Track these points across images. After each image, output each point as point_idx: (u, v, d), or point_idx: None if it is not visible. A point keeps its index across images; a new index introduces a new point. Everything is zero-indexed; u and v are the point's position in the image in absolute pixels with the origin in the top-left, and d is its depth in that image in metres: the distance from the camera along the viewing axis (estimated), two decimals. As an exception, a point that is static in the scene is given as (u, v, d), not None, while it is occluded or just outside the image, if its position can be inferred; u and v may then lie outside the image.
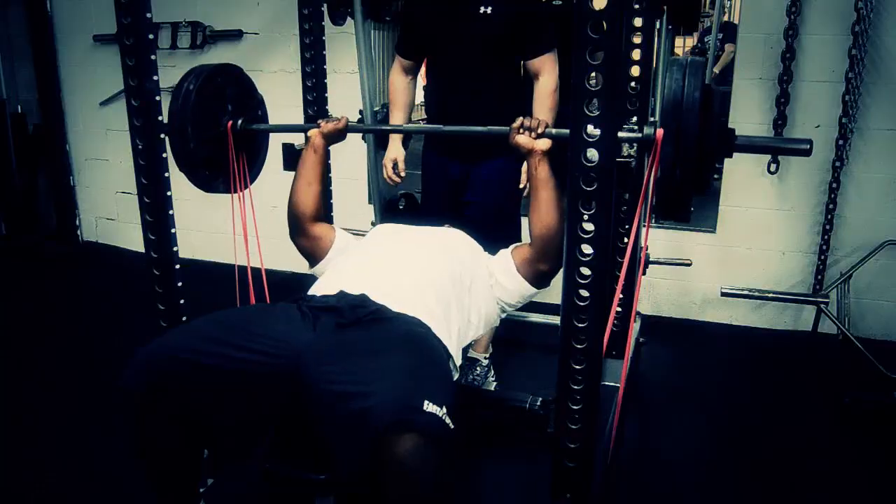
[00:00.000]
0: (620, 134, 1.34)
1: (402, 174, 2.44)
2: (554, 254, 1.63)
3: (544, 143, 1.58)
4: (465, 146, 2.34)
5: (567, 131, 1.13)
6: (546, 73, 2.22)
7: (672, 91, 1.27)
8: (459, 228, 2.00)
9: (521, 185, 2.28)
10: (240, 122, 1.84)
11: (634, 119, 2.05)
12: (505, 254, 1.76)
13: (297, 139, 2.02)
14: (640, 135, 1.36)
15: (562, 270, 1.17)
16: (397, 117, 2.45)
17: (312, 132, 1.85)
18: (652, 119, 1.74)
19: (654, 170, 1.32)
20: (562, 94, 2.24)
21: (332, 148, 2.22)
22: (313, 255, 1.85)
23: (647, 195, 1.44)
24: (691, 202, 1.41)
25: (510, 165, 2.29)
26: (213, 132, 1.79)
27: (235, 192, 1.86)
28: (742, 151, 1.39)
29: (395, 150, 2.44)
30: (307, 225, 1.83)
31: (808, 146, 1.36)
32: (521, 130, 1.59)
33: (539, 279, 1.70)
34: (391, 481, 1.09)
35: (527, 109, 2.30)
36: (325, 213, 1.88)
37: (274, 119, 2.02)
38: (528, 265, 1.69)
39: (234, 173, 1.84)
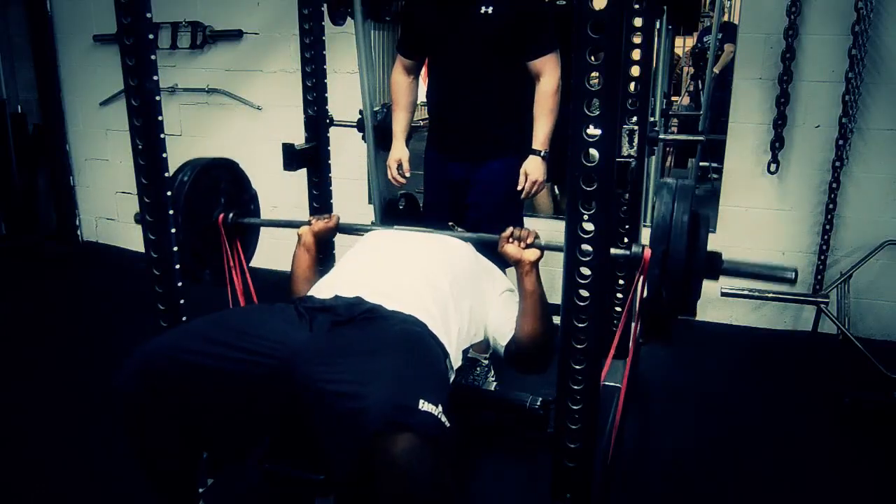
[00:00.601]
0: (613, 251, 1.34)
1: (407, 174, 2.44)
2: (539, 354, 1.63)
3: (532, 254, 1.57)
4: (467, 147, 2.34)
5: (560, 244, 1.17)
6: (548, 73, 2.22)
7: (661, 215, 1.32)
8: (462, 228, 2.01)
9: (519, 188, 2.28)
10: (231, 215, 1.87)
11: (634, 119, 2.06)
12: (496, 325, 1.69)
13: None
14: (628, 253, 1.40)
15: (562, 270, 1.17)
16: (400, 117, 2.45)
17: (303, 230, 1.86)
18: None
19: (641, 287, 1.37)
20: (568, 95, 2.23)
21: (332, 148, 2.24)
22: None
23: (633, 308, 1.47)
24: (674, 324, 1.46)
25: (512, 167, 2.29)
26: (204, 224, 1.83)
27: (224, 285, 1.88)
28: (728, 275, 1.45)
29: (399, 150, 2.44)
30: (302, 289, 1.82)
31: (794, 275, 1.43)
32: (511, 240, 1.59)
33: (517, 367, 1.69)
34: (387, 481, 1.08)
35: (528, 110, 2.30)
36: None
37: (275, 119, 2.02)
38: (510, 356, 1.67)
39: (228, 264, 1.87)
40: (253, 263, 2.07)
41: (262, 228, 2.07)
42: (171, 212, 1.59)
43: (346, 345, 1.34)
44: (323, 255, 2.09)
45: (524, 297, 1.59)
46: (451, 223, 2.02)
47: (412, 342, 1.39)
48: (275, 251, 2.40)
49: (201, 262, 1.82)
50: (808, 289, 2.98)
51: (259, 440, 1.44)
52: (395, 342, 1.35)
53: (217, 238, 1.86)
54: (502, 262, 1.67)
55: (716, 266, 1.37)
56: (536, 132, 2.24)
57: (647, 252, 1.35)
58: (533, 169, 2.25)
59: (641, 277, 1.38)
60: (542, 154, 2.25)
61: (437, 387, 1.24)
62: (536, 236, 1.59)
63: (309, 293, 1.63)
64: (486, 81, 2.26)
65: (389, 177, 2.45)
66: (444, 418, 1.14)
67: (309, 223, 1.87)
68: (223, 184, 1.89)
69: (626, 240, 2.25)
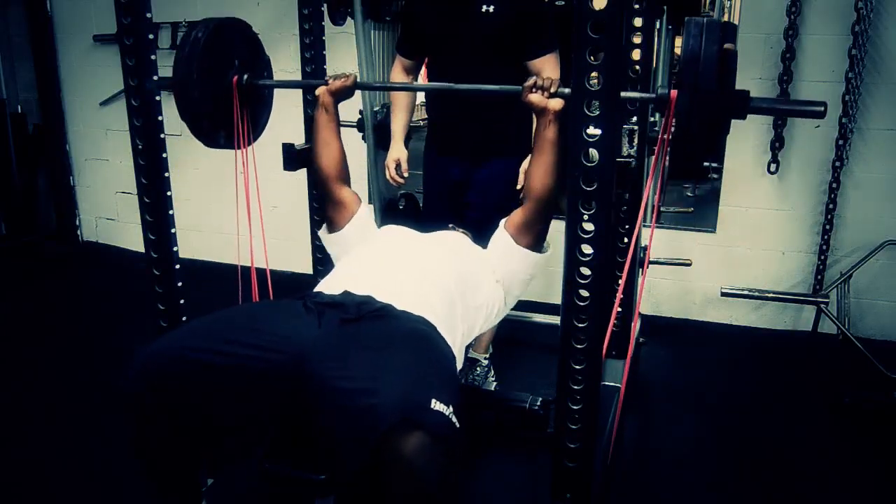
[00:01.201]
0: (632, 94, 1.34)
1: (406, 174, 2.43)
2: (548, 210, 1.68)
3: (557, 103, 1.56)
4: (466, 147, 2.34)
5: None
6: (548, 73, 2.21)
7: (690, 48, 1.26)
8: (462, 229, 2.00)
9: (519, 187, 2.28)
10: (245, 77, 1.80)
11: (634, 119, 2.05)
12: (498, 236, 1.76)
13: (296, 131, 2.02)
14: (653, 95, 1.35)
15: (562, 271, 1.17)
16: (399, 117, 2.45)
17: (321, 90, 1.84)
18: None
19: (668, 130, 1.32)
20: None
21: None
22: (334, 222, 1.86)
23: (653, 194, 1.45)
24: (705, 159, 1.41)
25: (511, 166, 2.29)
26: (219, 85, 1.76)
27: (239, 148, 1.82)
28: (757, 113, 1.40)
29: (398, 150, 2.43)
30: (333, 187, 1.83)
31: (823, 108, 1.37)
32: (534, 90, 1.57)
33: (538, 240, 1.72)
34: (396, 479, 1.08)
35: (527, 110, 2.30)
36: (348, 174, 1.87)
37: (275, 119, 2.02)
38: (524, 230, 1.70)
39: (238, 129, 1.80)
40: (258, 264, 2.07)
41: (269, 237, 2.06)
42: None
43: (356, 341, 1.33)
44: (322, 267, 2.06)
45: (544, 148, 1.61)
46: (451, 225, 2.02)
47: (424, 341, 1.38)
48: (276, 251, 2.40)
49: (216, 124, 1.78)
50: (808, 289, 2.98)
51: (263, 438, 1.43)
52: (406, 340, 1.35)
53: (232, 100, 1.79)
54: (527, 108, 1.66)
55: (745, 102, 1.35)
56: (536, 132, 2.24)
57: (674, 93, 1.30)
58: (532, 169, 2.25)
59: (669, 118, 1.34)
60: None
61: (448, 387, 1.24)
62: (560, 85, 1.57)
63: (318, 289, 1.62)
64: (485, 81, 2.25)
65: (388, 177, 2.45)
66: (454, 419, 1.14)
67: (326, 83, 1.84)
68: (237, 46, 1.83)
69: (626, 240, 2.25)
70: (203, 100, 1.67)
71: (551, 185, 1.63)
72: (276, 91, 1.99)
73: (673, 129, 1.30)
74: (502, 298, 1.75)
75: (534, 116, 1.64)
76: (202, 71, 1.67)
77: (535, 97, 1.57)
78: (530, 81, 1.58)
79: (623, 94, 1.33)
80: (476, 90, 1.96)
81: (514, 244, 1.71)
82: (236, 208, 1.82)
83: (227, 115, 1.79)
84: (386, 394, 1.13)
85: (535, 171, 1.64)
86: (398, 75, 2.44)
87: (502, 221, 1.77)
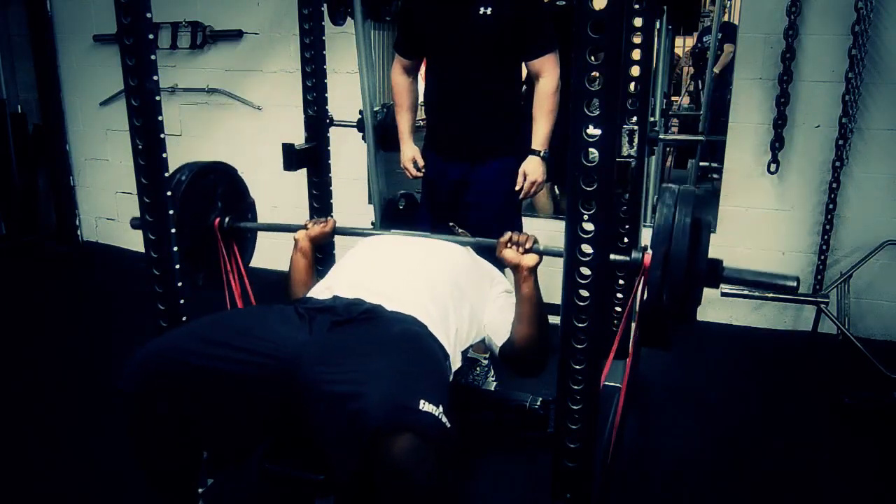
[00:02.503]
0: (612, 256, 1.33)
1: (423, 169, 2.45)
2: (532, 360, 1.62)
3: (531, 259, 1.54)
4: (465, 147, 2.34)
5: (560, 248, 1.15)
6: (547, 73, 2.21)
7: (664, 217, 1.29)
8: (463, 229, 2.00)
9: (518, 188, 2.28)
10: (227, 219, 1.86)
11: (634, 119, 2.06)
12: (493, 326, 1.68)
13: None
14: (628, 258, 1.38)
15: (562, 270, 1.17)
16: (405, 118, 2.45)
17: (300, 235, 1.85)
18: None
19: (641, 292, 1.35)
20: (562, 94, 2.23)
21: (332, 148, 2.24)
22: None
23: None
24: (673, 331, 1.43)
25: (511, 167, 2.29)
26: (200, 227, 1.82)
27: (217, 289, 1.87)
28: (728, 283, 1.40)
29: (410, 148, 2.46)
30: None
31: (795, 283, 1.41)
32: (509, 245, 1.56)
33: (512, 368, 1.68)
34: (387, 481, 1.08)
35: (527, 110, 2.30)
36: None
37: (275, 119, 2.02)
38: (505, 359, 1.66)
39: (225, 269, 1.86)
40: (252, 263, 2.07)
41: (269, 237, 2.07)
42: (170, 212, 1.59)
43: (346, 344, 1.34)
44: (322, 256, 2.09)
45: (521, 301, 1.57)
46: (451, 223, 2.02)
47: (413, 342, 1.38)
48: (274, 251, 2.40)
49: (195, 265, 1.82)
50: (808, 289, 2.98)
51: (260, 440, 1.44)
52: (395, 342, 1.35)
53: (212, 242, 1.86)
54: (500, 262, 1.67)
55: (717, 274, 1.35)
56: (535, 132, 2.24)
57: (647, 257, 1.34)
58: (532, 169, 2.25)
59: (641, 283, 1.36)
60: (541, 154, 2.25)
61: (437, 387, 1.24)
62: (535, 241, 1.56)
63: (308, 294, 1.63)
64: (484, 82, 2.25)
65: (409, 175, 2.46)
66: (444, 419, 1.14)
67: (305, 227, 1.85)
68: (220, 188, 1.89)
69: (625, 240, 2.25)
70: (182, 242, 1.69)
71: (535, 337, 1.57)
72: (276, 94, 1.99)
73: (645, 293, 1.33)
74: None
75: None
76: (183, 216, 1.72)
77: (510, 253, 1.56)
78: (505, 237, 1.57)
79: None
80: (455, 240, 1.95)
81: (493, 342, 1.67)
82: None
83: (206, 256, 1.84)
84: (374, 396, 1.14)
85: (517, 324, 1.59)
86: (399, 76, 2.44)
87: (501, 329, 1.65)
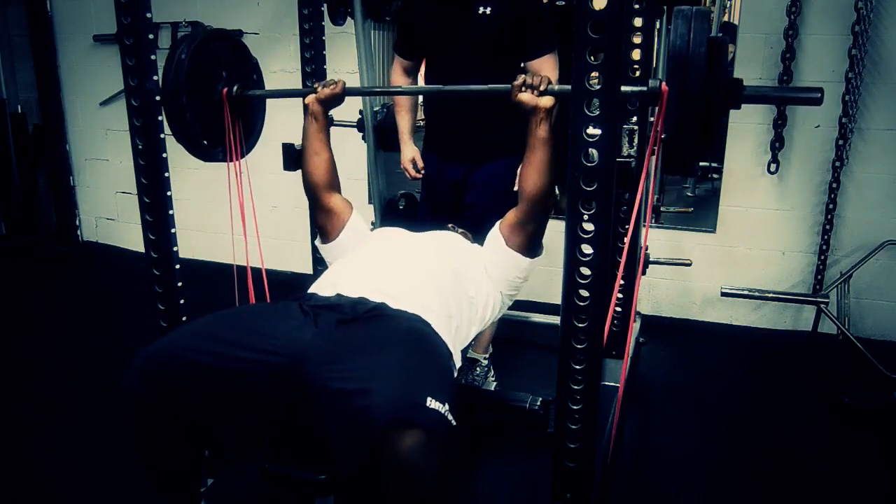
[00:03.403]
0: (624, 88, 1.28)
1: (423, 171, 2.45)
2: (540, 211, 1.65)
3: (548, 101, 1.54)
4: (465, 147, 2.34)
5: (570, 87, 1.10)
6: (546, 73, 2.21)
7: (676, 44, 1.21)
8: (462, 229, 2.00)
9: (515, 188, 2.28)
10: (235, 88, 1.79)
11: (634, 119, 2.05)
12: (492, 235, 1.74)
13: (294, 125, 2.02)
14: (644, 88, 1.32)
15: (562, 270, 1.17)
16: (405, 119, 2.45)
17: (309, 98, 1.81)
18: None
19: (659, 124, 1.29)
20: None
21: (333, 148, 2.23)
22: (327, 232, 1.84)
23: (647, 192, 1.42)
24: (698, 156, 1.35)
25: (510, 166, 2.29)
26: (209, 100, 1.74)
27: (232, 160, 1.81)
28: (751, 102, 1.34)
29: (410, 149, 2.46)
30: (323, 196, 1.82)
31: (819, 95, 1.32)
32: (524, 88, 1.55)
33: (529, 244, 1.69)
34: (393, 478, 1.08)
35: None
36: (338, 182, 1.86)
37: (275, 119, 2.02)
38: (516, 231, 1.68)
39: (231, 141, 1.79)
40: (254, 263, 2.07)
41: (264, 228, 2.06)
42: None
43: (352, 342, 1.34)
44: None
45: (535, 147, 1.58)
46: (450, 225, 2.02)
47: (419, 340, 1.38)
48: (274, 251, 2.40)
49: (213, 140, 1.76)
50: (808, 289, 2.98)
51: (263, 438, 1.44)
52: (402, 340, 1.35)
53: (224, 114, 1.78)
54: (516, 107, 1.63)
55: (737, 93, 1.29)
56: None
57: (665, 86, 1.26)
58: (532, 169, 2.25)
59: (660, 114, 1.31)
60: None
61: (444, 385, 1.24)
62: (549, 82, 1.55)
63: (311, 290, 1.62)
64: (483, 82, 2.25)
65: (408, 176, 2.46)
66: (450, 417, 1.14)
67: (315, 90, 1.81)
68: (223, 55, 1.81)
69: (626, 240, 2.25)
70: (195, 121, 1.67)
71: (544, 184, 1.61)
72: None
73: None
74: (498, 297, 1.74)
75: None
76: (191, 91, 1.66)
77: (525, 95, 1.54)
78: (519, 80, 1.55)
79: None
80: (467, 90, 1.94)
81: (505, 245, 1.70)
82: (230, 210, 1.82)
83: (222, 128, 1.78)
84: (381, 393, 1.14)
85: (527, 171, 1.62)
86: (398, 76, 2.44)
87: (498, 222, 1.76)
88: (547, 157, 1.59)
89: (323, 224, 1.84)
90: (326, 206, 1.82)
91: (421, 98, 2.53)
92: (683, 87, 1.21)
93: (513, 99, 1.57)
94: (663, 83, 1.28)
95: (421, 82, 2.50)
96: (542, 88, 1.53)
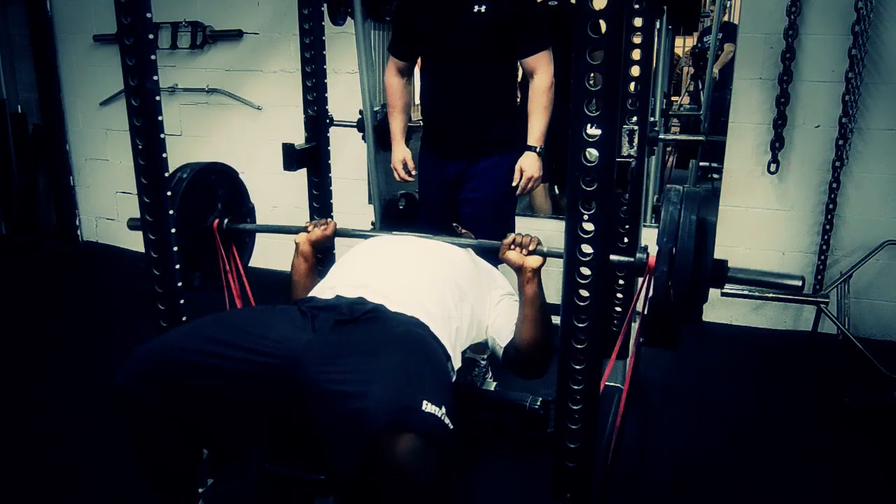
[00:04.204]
0: (613, 257, 1.32)
1: (414, 172, 2.46)
2: (540, 362, 1.62)
3: (535, 261, 1.55)
4: (462, 145, 2.35)
5: (560, 249, 1.15)
6: (541, 71, 2.22)
7: (670, 217, 1.30)
8: (466, 230, 2.00)
9: (514, 184, 2.29)
10: (226, 220, 1.86)
11: (634, 119, 2.06)
12: (499, 325, 1.68)
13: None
14: (632, 259, 1.37)
15: (562, 270, 1.17)
16: (398, 119, 2.46)
17: (300, 238, 1.83)
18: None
19: (646, 292, 1.34)
20: (561, 93, 2.24)
21: (333, 148, 2.24)
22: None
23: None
24: (681, 330, 1.42)
25: (506, 162, 2.30)
26: (198, 227, 1.82)
27: (214, 291, 1.87)
28: (734, 284, 1.40)
29: (402, 151, 2.46)
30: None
31: (801, 282, 1.40)
32: (513, 246, 1.57)
33: (515, 371, 1.67)
34: (389, 482, 1.08)
35: (521, 108, 2.31)
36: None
37: (275, 119, 2.02)
38: (508, 362, 1.66)
39: (224, 269, 1.86)
40: (252, 263, 2.07)
41: (269, 237, 2.06)
42: (170, 212, 1.59)
43: (349, 344, 1.34)
44: (322, 256, 2.08)
45: (525, 303, 1.57)
46: (454, 224, 2.02)
47: (416, 343, 1.38)
48: (274, 251, 2.40)
49: (192, 265, 1.81)
50: (809, 289, 2.98)
51: (260, 440, 1.44)
52: (398, 342, 1.35)
53: (210, 243, 1.85)
54: (497, 260, 1.67)
55: (722, 274, 1.35)
56: (531, 129, 2.25)
57: (651, 258, 1.33)
58: (528, 165, 2.26)
59: (646, 283, 1.36)
60: (537, 150, 2.26)
61: (440, 388, 1.23)
62: (539, 243, 1.57)
63: (310, 293, 1.63)
64: (479, 80, 2.26)
65: (397, 177, 2.47)
66: (447, 420, 1.14)
67: (306, 230, 1.84)
68: (221, 190, 1.88)
69: (626, 240, 2.25)
70: (181, 243, 1.68)
71: (539, 337, 1.57)
72: (276, 94, 1.99)
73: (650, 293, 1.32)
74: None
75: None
76: (182, 215, 1.72)
77: (513, 255, 1.56)
78: (509, 239, 1.57)
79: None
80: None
81: (497, 344, 1.66)
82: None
83: (203, 257, 1.84)
84: (376, 396, 1.13)
85: (523, 327, 1.59)
86: (392, 78, 2.45)
87: (501, 330, 1.66)
88: (539, 314, 1.57)
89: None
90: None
91: (417, 99, 2.53)
92: (673, 257, 1.28)
93: (500, 256, 1.59)
94: (650, 256, 1.34)
95: (416, 82, 2.51)
96: (531, 248, 1.55)
